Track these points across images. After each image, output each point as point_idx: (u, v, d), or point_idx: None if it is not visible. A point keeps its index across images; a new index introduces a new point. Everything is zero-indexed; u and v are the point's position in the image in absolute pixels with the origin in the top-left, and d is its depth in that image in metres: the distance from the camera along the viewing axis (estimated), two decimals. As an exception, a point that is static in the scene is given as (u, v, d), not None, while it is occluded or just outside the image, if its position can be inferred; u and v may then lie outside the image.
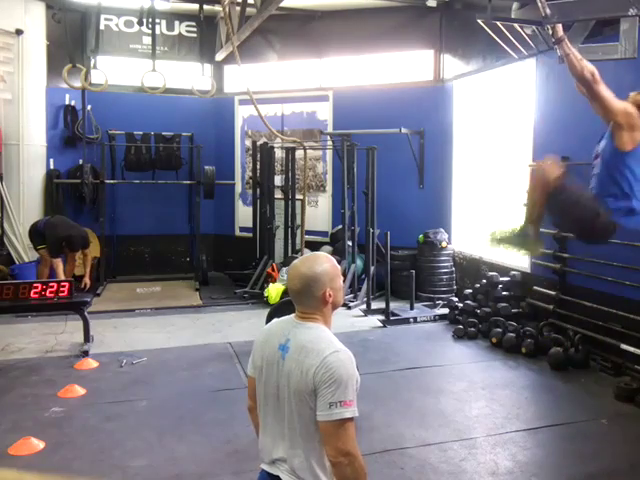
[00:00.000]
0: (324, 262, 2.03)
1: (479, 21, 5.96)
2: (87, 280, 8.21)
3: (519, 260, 7.05)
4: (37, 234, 7.88)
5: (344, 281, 8.15)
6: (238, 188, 10.52)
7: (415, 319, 7.34)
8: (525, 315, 6.61)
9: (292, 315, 2.08)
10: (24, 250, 8.65)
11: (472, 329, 6.61)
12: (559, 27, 3.41)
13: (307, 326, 2.00)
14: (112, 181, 9.59)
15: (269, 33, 9.86)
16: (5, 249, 8.70)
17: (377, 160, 8.48)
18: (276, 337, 2.04)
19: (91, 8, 9.27)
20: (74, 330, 6.54)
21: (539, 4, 3.59)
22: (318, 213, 9.84)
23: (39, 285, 5.95)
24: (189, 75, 9.94)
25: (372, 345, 6.42)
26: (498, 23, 6.00)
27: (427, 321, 7.33)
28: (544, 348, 5.82)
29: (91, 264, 9.02)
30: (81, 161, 9.16)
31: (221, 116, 10.48)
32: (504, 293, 6.82)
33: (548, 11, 3.56)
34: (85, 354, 5.81)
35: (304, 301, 2.01)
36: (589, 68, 3.10)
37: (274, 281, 8.35)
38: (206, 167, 9.49)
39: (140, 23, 8.62)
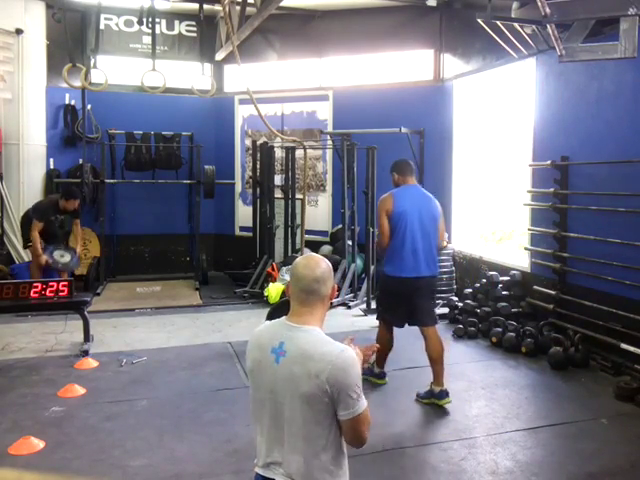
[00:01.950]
0: (326, 263, 2.08)
1: (479, 20, 5.95)
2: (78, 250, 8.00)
3: (519, 260, 7.06)
4: (28, 224, 7.74)
5: (344, 280, 8.19)
6: (238, 188, 10.51)
7: (415, 319, 7.32)
8: (525, 314, 6.60)
9: (283, 318, 2.06)
10: (24, 250, 8.64)
11: (472, 328, 6.60)
12: None
13: (303, 329, 1.98)
14: (112, 181, 9.57)
15: (269, 33, 9.86)
16: (5, 249, 8.70)
17: (377, 160, 8.47)
18: (268, 340, 2.02)
19: (91, 7, 9.27)
20: (74, 330, 6.53)
21: (539, 3, 3.60)
22: (318, 213, 9.84)
23: (39, 285, 5.93)
24: (189, 75, 9.93)
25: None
26: (498, 22, 6.00)
27: (427, 321, 7.31)
28: (544, 347, 5.82)
29: (91, 262, 9.02)
30: (81, 161, 9.13)
31: (221, 116, 10.48)
32: (504, 292, 6.81)
33: (548, 10, 3.57)
34: (85, 354, 5.80)
35: (310, 297, 2.01)
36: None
37: (274, 280, 8.35)
38: (206, 166, 9.48)
39: (140, 22, 8.60)
